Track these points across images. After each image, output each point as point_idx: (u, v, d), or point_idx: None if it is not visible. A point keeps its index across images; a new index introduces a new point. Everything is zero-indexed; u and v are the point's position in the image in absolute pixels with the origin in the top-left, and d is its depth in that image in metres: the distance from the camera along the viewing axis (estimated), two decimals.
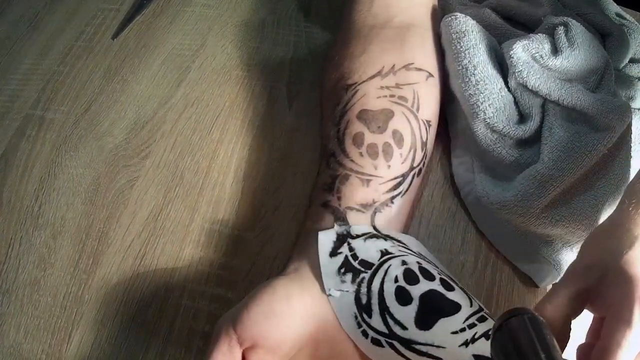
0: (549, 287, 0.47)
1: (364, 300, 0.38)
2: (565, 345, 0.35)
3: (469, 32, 0.49)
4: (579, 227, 0.44)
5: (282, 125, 0.54)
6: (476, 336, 0.37)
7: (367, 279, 0.39)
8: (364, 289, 0.39)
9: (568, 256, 0.46)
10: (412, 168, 0.45)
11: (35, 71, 0.60)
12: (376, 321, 0.38)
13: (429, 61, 0.49)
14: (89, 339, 0.45)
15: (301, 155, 0.53)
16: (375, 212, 0.43)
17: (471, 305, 0.39)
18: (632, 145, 0.47)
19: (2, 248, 0.49)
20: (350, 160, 0.44)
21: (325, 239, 0.41)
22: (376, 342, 0.38)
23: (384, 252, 0.40)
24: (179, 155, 0.53)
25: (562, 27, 0.49)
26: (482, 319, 0.38)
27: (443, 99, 0.50)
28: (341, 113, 0.46)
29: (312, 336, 0.38)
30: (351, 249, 0.40)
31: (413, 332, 0.37)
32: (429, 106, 0.47)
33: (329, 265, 0.39)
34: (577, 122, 0.46)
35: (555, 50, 0.48)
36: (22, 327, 0.46)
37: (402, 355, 0.37)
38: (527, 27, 0.56)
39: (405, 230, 0.47)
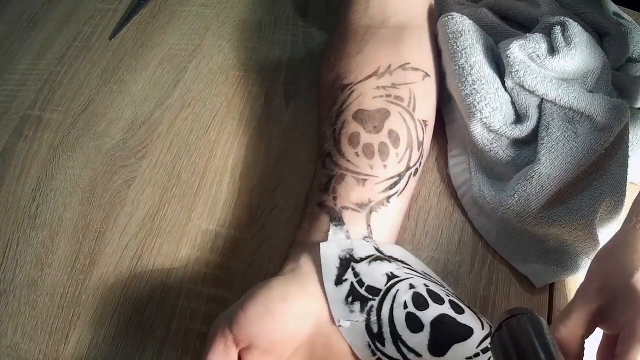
0: (547, 286, 0.47)
1: (375, 329, 0.38)
2: None
3: (465, 32, 0.48)
4: (576, 227, 0.44)
5: (279, 126, 0.54)
6: None
7: (375, 307, 0.38)
8: (374, 318, 0.38)
9: (565, 256, 0.46)
10: (408, 168, 0.45)
11: (32, 71, 0.60)
12: (390, 349, 0.38)
13: (426, 61, 0.49)
14: (87, 339, 0.45)
15: (299, 156, 0.52)
16: (371, 212, 0.43)
17: (483, 328, 0.38)
18: (629, 145, 0.47)
19: None
20: (346, 160, 0.44)
21: (330, 264, 0.39)
22: None
23: (390, 276, 0.39)
24: (176, 155, 0.53)
25: (560, 26, 0.48)
26: None
27: (439, 99, 0.50)
28: (337, 113, 0.46)
29: (308, 336, 0.38)
30: (356, 274, 0.39)
31: (428, 359, 0.37)
32: (426, 106, 0.47)
33: (335, 294, 0.38)
34: (574, 122, 0.46)
35: (553, 50, 0.48)
36: (20, 328, 0.46)
37: None
38: (524, 27, 0.55)
39: (402, 230, 0.47)
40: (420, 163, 0.46)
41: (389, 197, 0.43)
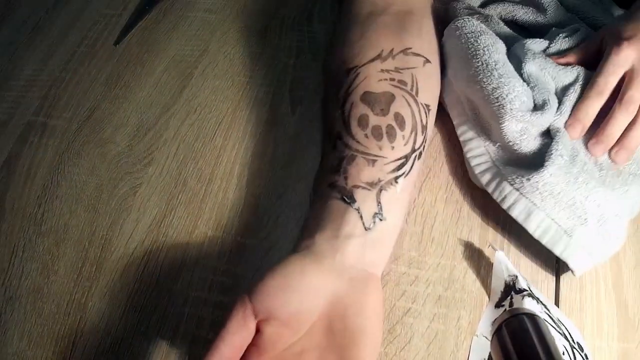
0: (552, 289, 0.46)
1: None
2: None
3: (484, 31, 0.49)
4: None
5: (285, 131, 0.54)
6: None
7: None
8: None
9: (597, 240, 0.45)
10: (413, 150, 0.45)
11: (37, 77, 0.60)
12: None
13: (426, 47, 0.50)
14: (93, 346, 0.45)
15: (305, 162, 0.52)
16: (380, 191, 0.43)
17: None
18: None
19: (5, 255, 0.49)
20: (356, 142, 0.45)
21: (497, 287, 0.43)
22: None
23: None
24: (181, 162, 0.53)
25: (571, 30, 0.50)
26: None
27: (442, 90, 0.51)
28: (345, 95, 0.47)
29: (325, 310, 0.39)
30: (510, 304, 0.41)
31: None
32: (428, 90, 0.48)
33: (490, 314, 0.41)
34: None
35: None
36: (26, 335, 0.46)
37: None
38: (531, 33, 0.56)
39: (408, 235, 0.48)
40: (424, 147, 0.47)
41: (397, 177, 0.44)
